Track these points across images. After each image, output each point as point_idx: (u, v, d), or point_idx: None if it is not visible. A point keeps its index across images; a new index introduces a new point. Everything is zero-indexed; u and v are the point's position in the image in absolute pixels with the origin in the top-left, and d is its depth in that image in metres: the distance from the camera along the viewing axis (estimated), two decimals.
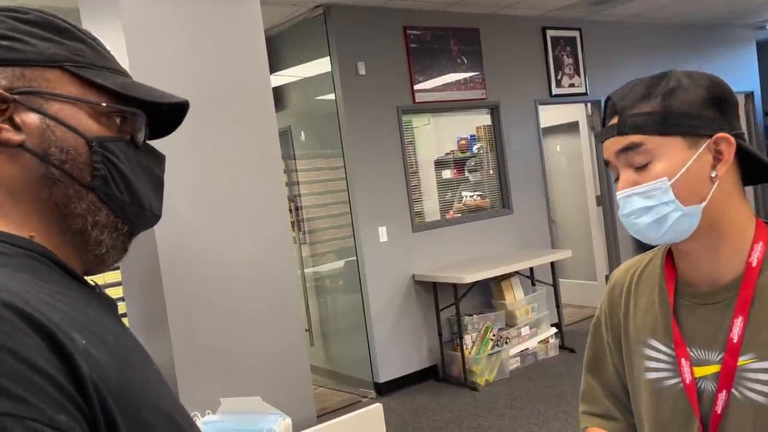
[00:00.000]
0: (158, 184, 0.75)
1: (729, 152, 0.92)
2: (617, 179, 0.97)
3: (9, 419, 0.47)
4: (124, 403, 0.56)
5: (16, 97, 0.64)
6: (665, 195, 0.91)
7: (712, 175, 0.92)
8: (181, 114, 0.77)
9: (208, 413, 1.25)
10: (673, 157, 0.91)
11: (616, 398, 1.13)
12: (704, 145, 0.91)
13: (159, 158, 0.76)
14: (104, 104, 0.68)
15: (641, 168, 0.92)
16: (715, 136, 0.91)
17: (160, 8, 1.72)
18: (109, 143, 0.68)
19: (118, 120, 0.70)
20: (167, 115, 0.77)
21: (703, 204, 0.91)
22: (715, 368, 0.94)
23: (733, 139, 0.92)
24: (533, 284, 5.51)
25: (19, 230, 0.64)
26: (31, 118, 0.64)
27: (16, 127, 0.64)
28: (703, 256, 0.95)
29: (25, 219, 0.65)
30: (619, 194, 0.95)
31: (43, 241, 0.65)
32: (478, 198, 5.63)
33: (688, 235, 0.93)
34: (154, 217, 0.75)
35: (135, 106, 0.71)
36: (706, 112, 0.91)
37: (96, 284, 0.71)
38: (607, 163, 0.98)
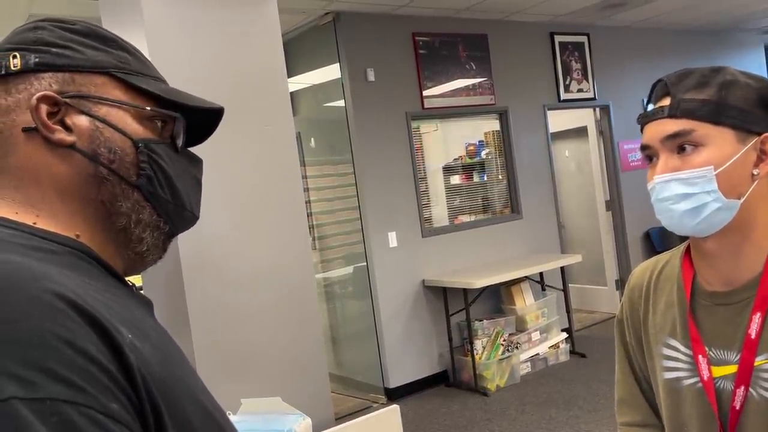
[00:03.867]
0: (197, 186, 0.78)
1: None
2: (651, 162, 0.96)
3: (67, 406, 0.49)
4: (167, 395, 0.58)
5: (67, 100, 0.67)
6: (709, 184, 0.90)
7: (754, 173, 0.91)
8: (215, 123, 0.81)
9: (229, 414, 1.27)
10: (722, 147, 0.90)
11: (651, 400, 1.12)
12: (752, 142, 0.91)
13: (197, 162, 0.80)
14: (148, 108, 0.71)
15: (685, 154, 0.91)
16: (763, 135, 0.91)
17: (182, 17, 1.75)
18: (153, 145, 0.71)
19: (159, 124, 0.73)
20: (202, 122, 0.80)
21: (741, 200, 0.91)
22: (733, 368, 0.95)
23: None
24: (543, 289, 5.51)
25: (66, 229, 0.66)
26: (81, 120, 0.68)
27: (68, 129, 0.67)
28: (725, 255, 0.95)
29: (72, 218, 0.67)
30: (657, 178, 0.93)
31: (88, 240, 0.67)
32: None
33: (718, 230, 0.92)
34: (193, 218, 0.78)
35: (175, 112, 0.74)
36: (758, 110, 0.91)
37: (134, 285, 0.73)
38: (644, 148, 0.96)
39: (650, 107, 0.97)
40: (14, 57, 0.67)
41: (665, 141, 0.93)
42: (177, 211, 0.74)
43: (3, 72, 0.67)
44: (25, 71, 0.67)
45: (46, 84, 0.67)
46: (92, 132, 0.68)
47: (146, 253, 0.72)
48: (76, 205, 0.67)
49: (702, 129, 0.90)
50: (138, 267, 0.73)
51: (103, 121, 0.68)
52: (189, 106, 0.74)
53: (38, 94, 0.66)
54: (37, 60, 0.67)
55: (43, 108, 0.66)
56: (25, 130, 0.66)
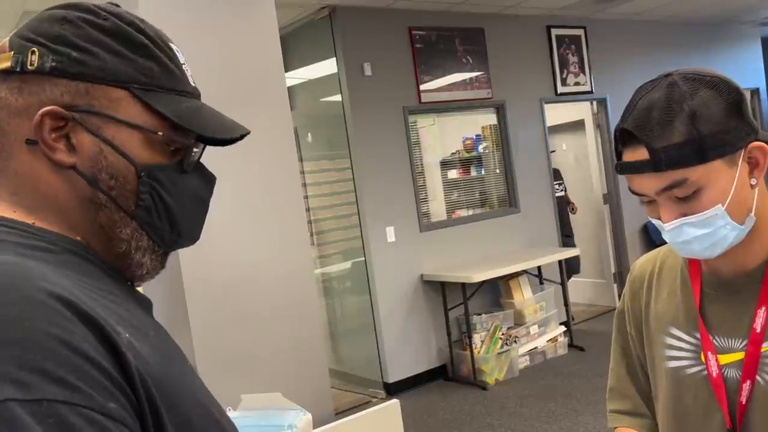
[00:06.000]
0: (202, 209, 0.74)
1: (764, 158, 0.90)
2: (645, 202, 0.94)
3: (64, 407, 0.49)
4: (165, 394, 0.58)
5: (76, 115, 0.64)
6: (722, 219, 0.89)
7: (752, 183, 0.91)
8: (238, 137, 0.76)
9: (229, 409, 1.27)
10: (720, 181, 0.88)
11: (643, 392, 1.13)
12: (740, 158, 0.89)
13: (209, 180, 0.75)
14: (161, 133, 0.67)
15: (687, 198, 0.89)
16: (749, 147, 0.89)
17: (178, 12, 1.74)
18: (157, 172, 0.67)
19: (172, 146, 0.69)
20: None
21: (752, 213, 0.91)
22: (739, 356, 0.95)
23: (766, 146, 0.90)
24: (541, 283, 5.51)
25: (65, 232, 0.65)
26: (86, 141, 0.65)
27: (71, 146, 0.64)
28: (739, 250, 0.95)
29: (70, 230, 0.66)
30: (668, 225, 0.91)
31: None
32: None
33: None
34: (191, 242, 0.74)
35: (191, 136, 0.69)
36: (732, 122, 0.88)
37: (132, 283, 0.72)
38: (634, 192, 0.94)
39: (624, 156, 0.92)
40: (33, 53, 0.64)
41: (660, 193, 0.90)
42: (172, 239, 0.71)
43: (19, 69, 0.63)
44: (41, 72, 0.63)
45: (58, 93, 0.63)
46: (95, 155, 0.65)
47: (146, 275, 0.71)
48: (75, 222, 0.66)
49: (694, 174, 0.87)
50: (138, 282, 0.72)
51: (109, 143, 0.65)
52: (205, 137, 0.69)
53: (44, 110, 0.63)
54: (53, 65, 0.63)
55: (47, 124, 0.63)
56: (28, 142, 0.63)
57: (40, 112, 0.62)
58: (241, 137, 0.74)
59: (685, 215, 0.90)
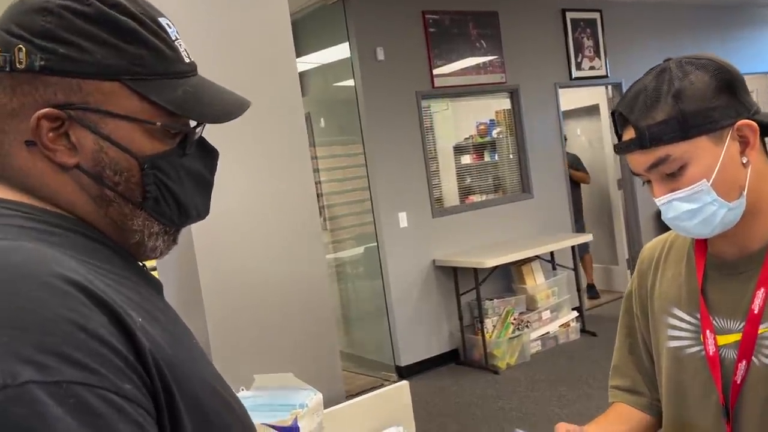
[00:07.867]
0: (207, 186, 0.74)
1: (754, 137, 0.91)
2: (645, 182, 0.97)
3: (82, 388, 0.50)
4: (177, 376, 0.60)
5: (72, 113, 0.63)
6: (708, 195, 0.90)
7: (743, 161, 0.92)
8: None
9: (242, 389, 1.30)
10: (704, 157, 0.90)
11: (644, 371, 1.16)
12: (728, 135, 0.91)
13: (211, 156, 0.75)
14: (158, 123, 0.66)
15: (674, 175, 0.92)
16: (737, 125, 0.91)
17: None
18: (160, 161, 0.67)
19: (172, 131, 0.68)
20: None
21: (745, 193, 0.92)
22: (736, 337, 0.97)
23: (755, 124, 0.91)
24: (554, 268, 5.51)
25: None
26: (85, 138, 0.64)
27: (71, 145, 0.64)
28: (739, 232, 0.96)
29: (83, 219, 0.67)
30: (658, 201, 0.94)
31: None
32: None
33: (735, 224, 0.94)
34: (199, 219, 0.75)
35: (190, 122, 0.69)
36: (719, 100, 0.90)
37: (144, 265, 0.74)
38: (633, 173, 0.98)
39: (621, 138, 0.97)
40: (20, 50, 0.62)
41: (648, 170, 0.93)
42: (182, 220, 0.72)
43: (8, 68, 0.62)
44: (31, 70, 0.62)
45: (51, 92, 0.62)
46: (96, 153, 0.64)
47: (161, 256, 0.73)
48: (86, 216, 0.66)
49: (676, 150, 0.90)
50: (151, 259, 0.75)
51: (108, 139, 0.64)
52: (203, 121, 0.70)
53: (39, 113, 0.62)
54: (42, 63, 0.62)
55: (45, 126, 0.63)
56: (28, 143, 0.63)
57: (36, 115, 0.62)
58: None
59: (674, 191, 0.93)
